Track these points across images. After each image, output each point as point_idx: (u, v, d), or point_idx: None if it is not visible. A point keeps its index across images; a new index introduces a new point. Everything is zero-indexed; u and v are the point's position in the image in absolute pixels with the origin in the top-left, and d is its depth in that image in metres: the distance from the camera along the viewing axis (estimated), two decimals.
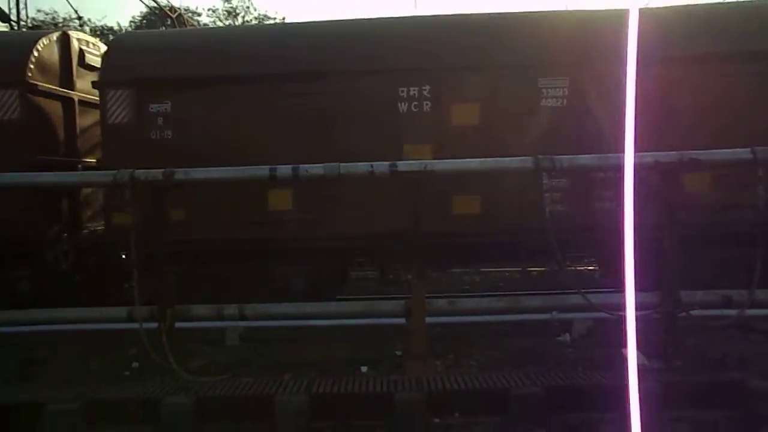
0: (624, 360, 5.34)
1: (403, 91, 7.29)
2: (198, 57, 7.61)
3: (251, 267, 7.38)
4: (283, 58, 7.43)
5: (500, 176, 6.52)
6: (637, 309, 1.82)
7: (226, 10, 31.72)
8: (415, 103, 7.30)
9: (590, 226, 6.75)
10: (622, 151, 1.93)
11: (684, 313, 5.44)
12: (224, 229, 7.21)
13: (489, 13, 8.17)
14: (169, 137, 7.37)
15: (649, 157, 5.32)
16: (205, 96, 7.39)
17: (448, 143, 7.09)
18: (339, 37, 7.78)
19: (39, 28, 18.33)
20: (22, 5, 16.46)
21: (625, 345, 5.43)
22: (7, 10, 15.25)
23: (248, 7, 31.93)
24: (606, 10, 7.70)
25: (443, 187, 6.79)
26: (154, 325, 5.54)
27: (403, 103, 7.30)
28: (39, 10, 29.36)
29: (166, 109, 7.39)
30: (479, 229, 7.16)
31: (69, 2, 22.27)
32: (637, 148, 1.99)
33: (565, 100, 7.21)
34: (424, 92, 7.29)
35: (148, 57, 7.66)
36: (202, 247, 7.11)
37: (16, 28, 15.56)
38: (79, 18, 23.34)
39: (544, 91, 7.23)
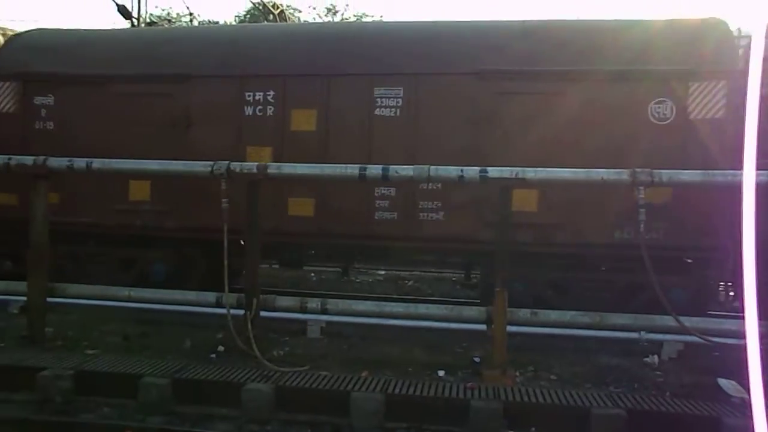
0: (719, 390, 5.01)
1: (249, 96, 7.62)
2: (76, 56, 8.22)
3: (115, 251, 8.01)
4: (149, 60, 8.02)
5: (331, 183, 6.84)
6: (742, 337, 1.69)
7: (327, 8, 32.52)
8: (260, 107, 7.62)
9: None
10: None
11: None
12: (92, 214, 7.77)
13: (330, 23, 8.51)
14: (51, 128, 8.10)
15: (765, 176, 4.94)
16: (80, 93, 8.00)
17: (287, 147, 7.39)
18: (199, 42, 8.47)
19: (155, 24, 19.55)
20: (143, 2, 17.57)
21: (721, 374, 5.13)
22: (129, 8, 16.37)
23: (347, 5, 32.55)
24: (448, 22, 8.15)
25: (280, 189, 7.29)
26: (241, 312, 5.80)
27: (249, 107, 7.64)
28: (156, 6, 31.37)
29: (49, 102, 8.10)
30: (311, 230, 7.52)
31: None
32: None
33: (398, 110, 7.40)
34: (269, 97, 7.58)
35: (37, 54, 8.32)
36: (74, 229, 7.74)
37: (136, 24, 16.69)
38: (191, 14, 24.71)
39: (379, 100, 7.41)
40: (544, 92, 7.11)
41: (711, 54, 6.86)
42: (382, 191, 7.31)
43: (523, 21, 7.77)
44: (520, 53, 7.29)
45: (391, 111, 7.41)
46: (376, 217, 7.34)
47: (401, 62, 7.45)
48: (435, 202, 7.24)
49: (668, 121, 6.88)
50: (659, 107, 6.90)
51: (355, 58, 7.59)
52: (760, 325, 1.67)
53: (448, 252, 8.32)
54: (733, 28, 7.67)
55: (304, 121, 7.56)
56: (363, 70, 7.47)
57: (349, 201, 7.25)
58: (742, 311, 1.75)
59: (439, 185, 6.96)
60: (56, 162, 6.02)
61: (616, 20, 7.80)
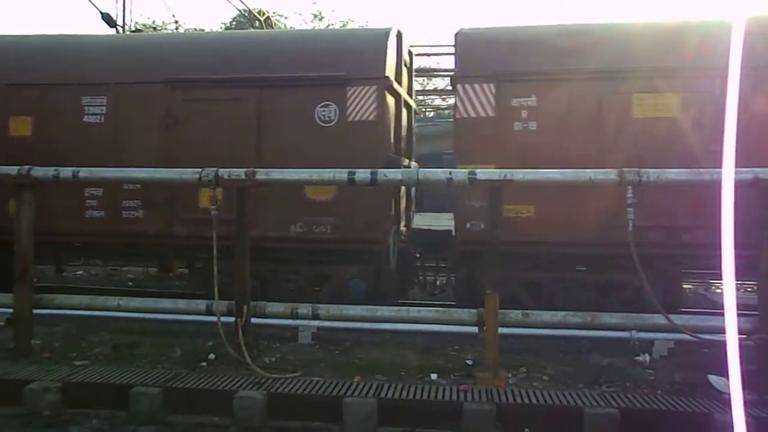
0: (709, 387, 5.05)
1: None
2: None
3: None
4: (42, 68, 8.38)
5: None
6: (725, 333, 1.70)
7: (313, 14, 32.58)
8: None
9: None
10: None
11: None
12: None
13: (55, 35, 9.45)
14: None
15: (748, 173, 5.00)
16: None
17: (5, 152, 7.67)
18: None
19: (140, 32, 19.46)
20: (128, 11, 17.55)
21: (711, 370, 5.17)
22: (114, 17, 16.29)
23: (333, 11, 32.59)
24: (145, 36, 9.25)
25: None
26: (231, 319, 5.76)
27: None
28: (141, 15, 31.26)
29: None
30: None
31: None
32: None
33: (103, 117, 8.08)
34: None
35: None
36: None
37: (121, 32, 16.61)
38: (176, 22, 24.66)
39: (86, 108, 8.09)
40: (227, 99, 7.85)
41: (365, 61, 7.69)
42: (92, 192, 7.96)
43: (219, 32, 8.50)
44: (206, 62, 8.13)
45: (96, 118, 8.12)
46: (86, 216, 8.00)
47: (104, 73, 8.15)
48: (135, 201, 7.91)
49: (332, 123, 7.61)
50: (324, 110, 7.62)
51: (65, 69, 8.27)
52: (739, 321, 1.68)
53: (146, 247, 8.68)
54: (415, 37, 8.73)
55: (21, 126, 8.25)
56: (71, 80, 8.12)
57: (62, 200, 7.68)
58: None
59: (139, 185, 7.58)
60: (41, 172, 5.97)
61: (296, 30, 8.56)
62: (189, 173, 5.91)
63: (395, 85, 8.18)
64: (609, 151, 6.88)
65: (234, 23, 28.90)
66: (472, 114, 7.39)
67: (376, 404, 4.69)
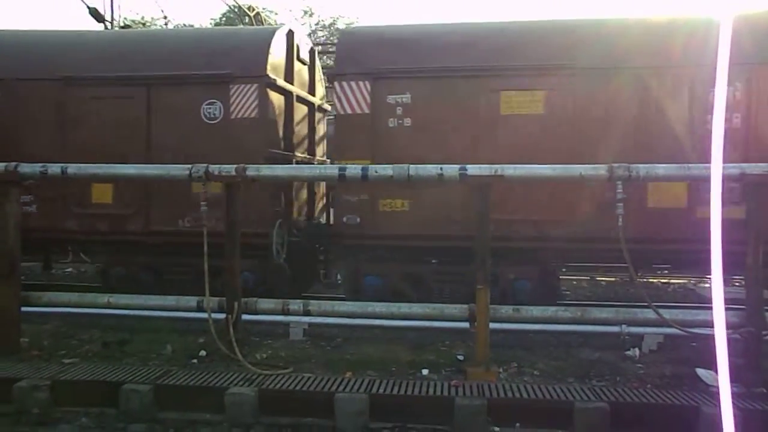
0: (698, 380, 5.09)
1: None
2: None
3: None
4: None
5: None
6: (713, 327, 1.71)
7: (303, 10, 32.42)
8: None
9: None
10: None
11: None
12: None
13: None
14: None
15: (735, 168, 5.04)
16: None
17: None
18: None
19: (129, 27, 19.30)
20: (115, 6, 17.40)
21: (699, 364, 5.22)
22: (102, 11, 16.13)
23: (322, 7, 32.44)
24: (39, 32, 9.14)
25: None
26: (222, 315, 5.74)
27: None
28: (130, 11, 30.99)
29: None
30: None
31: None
32: None
33: None
34: None
35: None
36: None
37: (109, 27, 16.45)
38: (165, 17, 24.48)
39: None
40: (118, 96, 8.06)
41: (246, 60, 7.92)
42: None
43: (114, 31, 8.66)
44: (99, 60, 8.27)
45: None
46: None
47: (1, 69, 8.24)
48: (29, 196, 7.86)
49: (217, 120, 7.82)
50: (210, 108, 7.82)
51: None
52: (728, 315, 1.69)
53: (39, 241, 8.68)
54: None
55: None
56: None
57: None
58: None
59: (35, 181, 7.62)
60: (28, 168, 5.91)
61: (185, 29, 9.00)
62: (178, 169, 5.87)
63: (282, 83, 8.32)
64: (477, 148, 7.15)
65: (223, 19, 28.71)
66: (349, 111, 7.59)
67: (367, 400, 4.70)
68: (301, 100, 9.13)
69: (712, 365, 5.16)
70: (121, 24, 18.40)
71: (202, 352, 5.85)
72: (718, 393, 1.58)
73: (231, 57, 7.97)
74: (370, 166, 5.64)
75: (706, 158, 5.18)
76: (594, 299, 9.21)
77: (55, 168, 5.94)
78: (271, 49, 8.05)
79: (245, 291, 7.11)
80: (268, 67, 7.89)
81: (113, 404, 4.85)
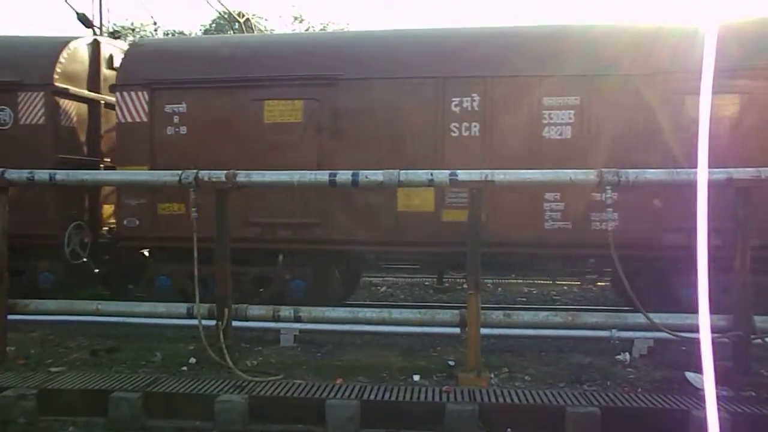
0: (687, 383, 5.12)
1: None
2: None
3: None
4: None
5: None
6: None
7: (294, 16, 32.46)
8: None
9: None
10: None
11: (759, 340, 5.16)
12: None
13: None
14: None
15: (722, 173, 5.08)
16: None
17: None
18: None
19: (118, 33, 19.23)
20: (104, 11, 17.35)
21: (688, 368, 5.25)
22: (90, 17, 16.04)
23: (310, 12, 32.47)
24: None
25: None
26: (212, 322, 5.71)
27: None
28: (125, 18, 30.87)
29: None
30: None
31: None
32: None
33: None
34: None
35: None
36: None
37: (99, 33, 16.37)
38: (155, 23, 24.42)
39: None
40: None
41: (33, 69, 8.19)
42: None
43: None
44: None
45: None
46: None
47: None
48: None
49: (8, 126, 8.12)
50: (1, 114, 8.10)
51: None
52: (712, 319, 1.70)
53: None
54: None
55: None
56: None
57: None
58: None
59: None
60: (15, 174, 5.86)
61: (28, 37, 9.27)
62: (168, 175, 5.84)
63: (79, 91, 8.62)
64: (243, 154, 7.51)
65: (213, 25, 28.68)
66: (129, 119, 7.94)
67: (358, 406, 4.68)
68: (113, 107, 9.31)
69: (701, 369, 5.17)
70: (110, 30, 18.34)
71: (192, 360, 5.81)
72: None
73: (19, 66, 8.28)
74: (360, 171, 5.61)
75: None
76: (584, 303, 9.26)
77: (42, 174, 5.90)
78: (62, 59, 8.34)
79: (42, 291, 7.68)
80: (57, 76, 8.23)
81: (101, 413, 4.80)
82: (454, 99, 7.31)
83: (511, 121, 7.20)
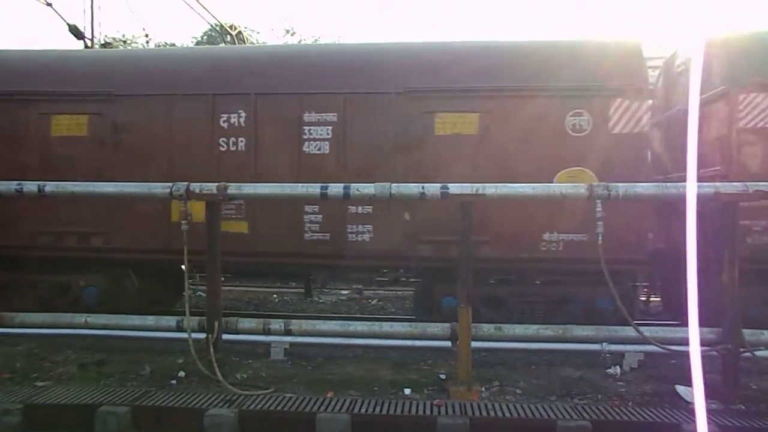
0: (677, 397, 5.14)
1: None
2: None
3: None
4: None
5: None
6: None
7: (285, 29, 32.60)
8: None
9: None
10: None
11: (748, 353, 5.19)
12: None
13: None
14: None
15: (710, 187, 5.14)
16: None
17: None
18: None
19: (110, 45, 19.23)
20: (96, 24, 17.34)
21: (678, 381, 5.27)
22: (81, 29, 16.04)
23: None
24: None
25: None
26: (202, 335, 5.67)
27: None
28: (117, 31, 30.86)
29: None
30: None
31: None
32: None
33: None
34: None
35: None
36: None
37: (89, 45, 16.37)
38: (146, 35, 24.43)
39: None
40: None
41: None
42: None
43: None
44: None
45: None
46: None
47: None
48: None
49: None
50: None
51: None
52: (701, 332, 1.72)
53: None
54: None
55: None
56: None
57: None
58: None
59: None
60: (3, 186, 5.82)
61: None
62: (159, 187, 5.82)
63: None
64: (35, 166, 7.68)
65: (205, 37, 28.72)
66: None
67: (349, 420, 4.66)
68: None
69: (691, 382, 5.20)
70: (102, 42, 18.33)
71: (182, 373, 5.76)
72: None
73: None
74: (352, 184, 5.64)
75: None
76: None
77: (31, 186, 5.86)
78: None
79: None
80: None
81: (89, 428, 4.74)
82: (223, 115, 7.60)
83: (275, 136, 7.52)
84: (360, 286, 11.30)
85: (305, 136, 7.43)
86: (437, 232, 7.00)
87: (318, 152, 7.42)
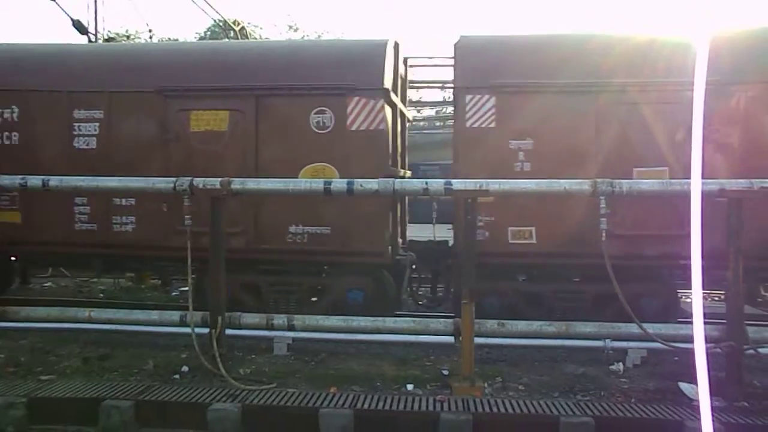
0: (680, 394, 5.12)
1: None
2: None
3: None
4: None
5: None
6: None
7: (288, 25, 32.60)
8: None
9: None
10: None
11: (751, 350, 5.17)
12: None
13: None
14: None
15: (715, 184, 5.12)
16: None
17: None
18: None
19: (114, 40, 19.24)
20: (100, 19, 17.36)
21: (682, 378, 5.25)
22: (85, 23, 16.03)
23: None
24: None
25: None
26: (206, 330, 5.68)
27: None
28: (121, 26, 30.91)
29: None
30: None
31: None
32: None
33: None
34: None
35: None
36: None
37: (93, 40, 16.37)
38: (150, 31, 24.44)
39: None
40: None
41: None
42: None
43: None
44: None
45: None
46: None
47: None
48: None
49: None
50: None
51: None
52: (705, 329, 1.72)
53: None
54: None
55: None
56: None
57: None
58: None
59: None
60: (8, 180, 5.83)
61: None
62: (163, 182, 5.83)
63: None
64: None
65: (209, 33, 28.72)
66: None
67: (352, 415, 4.66)
68: None
69: (694, 379, 5.18)
70: (106, 37, 18.34)
71: (185, 368, 5.77)
72: (699, 406, 1.58)
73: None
74: (355, 180, 5.64)
75: None
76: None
77: (35, 180, 5.86)
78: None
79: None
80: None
81: (93, 421, 4.76)
82: None
83: (46, 131, 7.70)
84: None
85: (75, 132, 7.64)
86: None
87: (86, 147, 7.66)
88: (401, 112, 8.52)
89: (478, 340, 5.54)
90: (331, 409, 4.73)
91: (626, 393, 5.27)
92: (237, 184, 5.69)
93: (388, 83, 7.35)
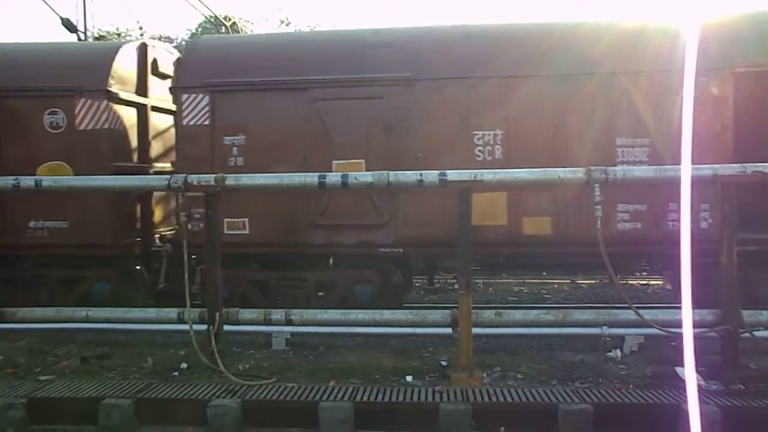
0: (678, 378, 5.16)
1: None
2: None
3: None
4: None
5: None
6: (693, 327, 1.73)
7: (280, 20, 32.41)
8: None
9: None
10: None
11: (747, 334, 5.20)
12: None
13: None
14: None
15: (708, 169, 5.13)
16: None
17: None
18: None
19: (104, 38, 19.12)
20: (89, 16, 17.26)
21: (679, 363, 5.29)
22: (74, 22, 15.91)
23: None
24: None
25: None
26: (204, 327, 5.68)
27: None
28: (111, 24, 30.69)
29: None
30: None
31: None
32: None
33: None
34: None
35: None
36: None
37: (83, 38, 16.28)
38: (140, 28, 24.29)
39: None
40: None
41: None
42: None
43: None
44: None
45: None
46: None
47: None
48: None
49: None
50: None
51: None
52: (694, 313, 1.73)
53: None
54: None
55: None
56: None
57: None
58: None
59: None
60: (0, 181, 5.82)
61: None
62: (157, 180, 5.82)
63: None
64: None
65: (200, 29, 28.53)
66: None
67: (352, 408, 4.68)
68: None
69: (695, 365, 5.21)
70: (96, 35, 18.22)
71: (184, 365, 5.77)
72: (699, 392, 1.60)
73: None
74: (350, 173, 5.64)
75: None
76: (575, 302, 9.30)
77: (28, 180, 5.84)
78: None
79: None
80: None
81: (93, 421, 4.76)
82: None
83: None
84: None
85: None
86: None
87: None
88: (155, 109, 8.77)
89: (476, 330, 5.55)
90: (331, 402, 4.75)
91: (624, 379, 5.30)
92: (231, 180, 5.67)
93: (117, 85, 7.87)
